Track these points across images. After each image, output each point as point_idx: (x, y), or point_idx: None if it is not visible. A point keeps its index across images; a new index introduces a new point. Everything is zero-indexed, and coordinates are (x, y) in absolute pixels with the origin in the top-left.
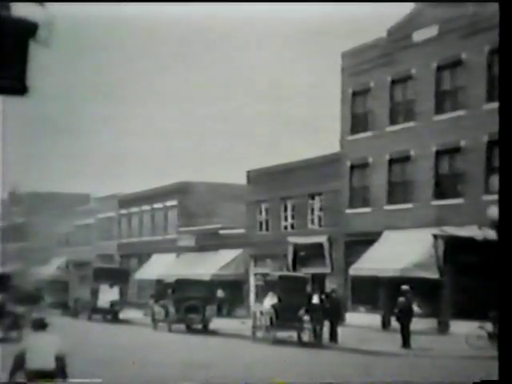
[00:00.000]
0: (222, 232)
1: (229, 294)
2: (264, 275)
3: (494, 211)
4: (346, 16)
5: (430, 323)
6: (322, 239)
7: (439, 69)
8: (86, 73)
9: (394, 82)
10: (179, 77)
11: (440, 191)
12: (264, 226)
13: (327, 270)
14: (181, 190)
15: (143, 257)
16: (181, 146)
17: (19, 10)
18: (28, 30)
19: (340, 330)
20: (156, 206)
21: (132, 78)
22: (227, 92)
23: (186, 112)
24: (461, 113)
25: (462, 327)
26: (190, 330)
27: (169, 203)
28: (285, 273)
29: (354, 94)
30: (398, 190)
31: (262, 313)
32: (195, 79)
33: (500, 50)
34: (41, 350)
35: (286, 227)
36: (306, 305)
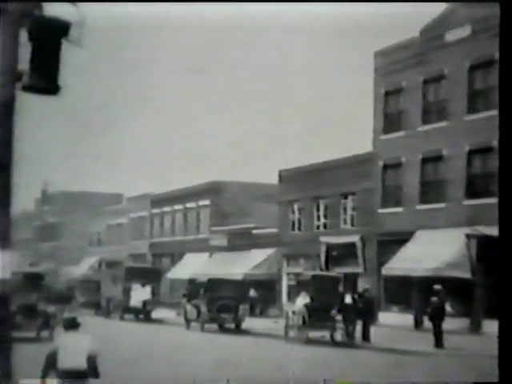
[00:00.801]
0: (254, 231)
1: (261, 293)
2: (296, 275)
3: None
4: (378, 14)
5: (463, 323)
6: (355, 239)
7: (472, 68)
8: (119, 72)
9: (426, 82)
10: (215, 76)
11: (472, 191)
12: (296, 226)
13: (360, 269)
14: (213, 190)
15: (176, 256)
16: (218, 144)
17: (52, 10)
18: (61, 29)
19: (372, 329)
20: (189, 205)
21: (169, 77)
22: (263, 91)
23: (222, 111)
24: (493, 112)
25: (494, 327)
26: (223, 329)
27: (201, 202)
28: (317, 272)
29: (387, 93)
30: (430, 190)
31: (294, 312)
32: (231, 78)
33: (500, 49)
34: (73, 349)
35: (318, 227)
36: (339, 304)
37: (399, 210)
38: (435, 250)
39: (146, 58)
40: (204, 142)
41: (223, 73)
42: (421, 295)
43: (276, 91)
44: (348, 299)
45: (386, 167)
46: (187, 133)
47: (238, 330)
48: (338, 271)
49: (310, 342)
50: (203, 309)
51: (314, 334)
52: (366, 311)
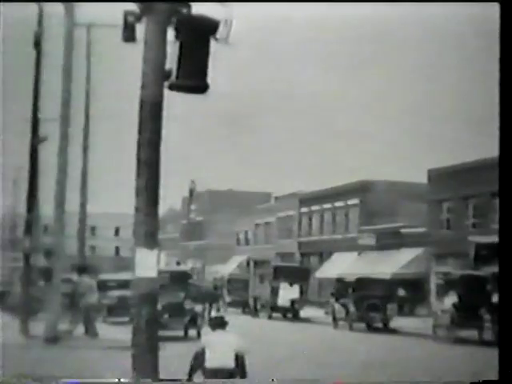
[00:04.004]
0: (403, 231)
1: (409, 292)
2: (445, 274)
3: None
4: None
5: None
6: None
7: None
8: (264, 71)
9: None
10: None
11: None
12: (445, 225)
13: None
14: (362, 189)
15: (324, 255)
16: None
17: (199, 9)
18: (209, 28)
19: None
20: (337, 204)
21: (312, 74)
22: (405, 88)
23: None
24: None
25: None
26: (371, 328)
27: (350, 202)
28: (466, 272)
29: None
30: None
31: (442, 311)
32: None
33: (500, 49)
34: (220, 348)
35: (467, 226)
36: (487, 304)
37: None
38: None
39: (292, 57)
40: (354, 140)
41: (362, 71)
42: None
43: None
44: (496, 298)
45: None
46: (331, 132)
47: (386, 329)
48: (486, 271)
49: (459, 341)
50: (351, 308)
51: (462, 333)
52: None
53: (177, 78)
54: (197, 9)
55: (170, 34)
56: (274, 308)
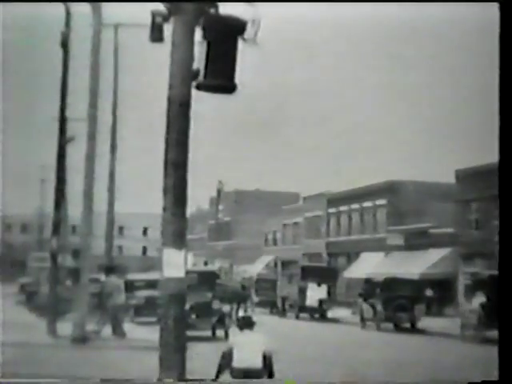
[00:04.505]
0: (431, 231)
1: (437, 292)
2: (473, 274)
3: None
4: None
5: None
6: None
7: None
8: (291, 71)
9: None
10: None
11: None
12: (473, 225)
13: None
14: (390, 189)
15: (352, 255)
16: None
17: (227, 9)
18: (236, 27)
19: None
20: (365, 204)
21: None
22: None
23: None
24: None
25: None
26: (398, 328)
27: (378, 202)
28: (493, 272)
29: None
30: None
31: (470, 312)
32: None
33: (500, 50)
34: (248, 348)
35: (495, 226)
36: None
37: None
38: None
39: (321, 56)
40: (375, 140)
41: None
42: None
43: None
44: None
45: None
46: (359, 132)
47: (414, 329)
48: None
49: (487, 341)
50: (379, 308)
51: (490, 333)
52: None
53: (204, 77)
54: (224, 9)
55: (198, 33)
56: (302, 308)
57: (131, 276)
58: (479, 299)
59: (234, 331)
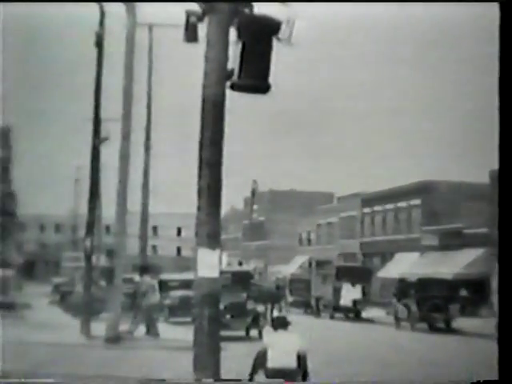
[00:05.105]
0: (465, 231)
1: (472, 293)
2: None
3: None
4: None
5: None
6: None
7: None
8: (328, 71)
9: None
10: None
11: None
12: None
13: None
14: (424, 189)
15: (386, 255)
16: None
17: (261, 9)
18: (271, 27)
19: None
20: (400, 204)
21: (380, 71)
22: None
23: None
24: None
25: None
26: (433, 328)
27: (412, 202)
28: None
29: None
30: None
31: None
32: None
33: (500, 49)
34: (282, 348)
35: None
36: None
37: None
38: None
39: (357, 56)
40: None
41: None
42: None
43: None
44: None
45: None
46: (394, 132)
47: (448, 330)
48: None
49: None
50: (413, 308)
51: None
52: None
53: (239, 77)
54: (259, 8)
55: (232, 33)
56: (336, 308)
57: (165, 276)
58: None
59: (268, 331)
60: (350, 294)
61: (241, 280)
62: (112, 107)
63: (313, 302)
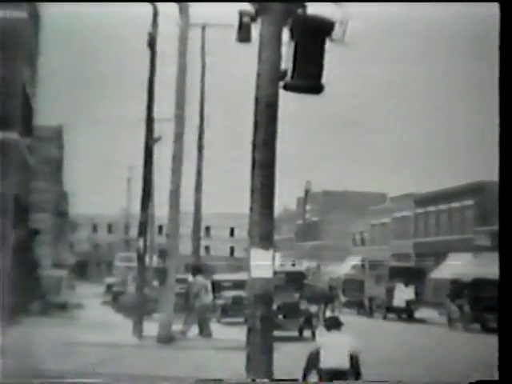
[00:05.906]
0: None
1: None
2: None
3: None
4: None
5: None
6: None
7: None
8: (379, 71)
9: None
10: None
11: None
12: None
13: None
14: (477, 190)
15: (439, 256)
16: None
17: (315, 9)
18: (324, 28)
19: None
20: (453, 205)
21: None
22: None
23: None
24: None
25: None
26: (485, 329)
27: (465, 202)
28: None
29: None
30: None
31: None
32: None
33: (500, 49)
34: (335, 349)
35: None
36: None
37: None
38: None
39: (407, 57)
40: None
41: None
42: None
43: None
44: None
45: None
46: (443, 132)
47: None
48: None
49: None
50: (466, 309)
51: None
52: None
53: (292, 78)
54: (312, 9)
55: (286, 34)
56: (389, 309)
57: (218, 276)
58: None
59: (321, 331)
60: (403, 294)
61: (294, 280)
62: (165, 107)
63: (366, 303)
